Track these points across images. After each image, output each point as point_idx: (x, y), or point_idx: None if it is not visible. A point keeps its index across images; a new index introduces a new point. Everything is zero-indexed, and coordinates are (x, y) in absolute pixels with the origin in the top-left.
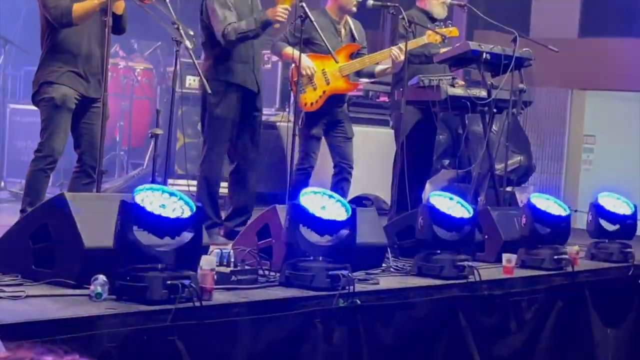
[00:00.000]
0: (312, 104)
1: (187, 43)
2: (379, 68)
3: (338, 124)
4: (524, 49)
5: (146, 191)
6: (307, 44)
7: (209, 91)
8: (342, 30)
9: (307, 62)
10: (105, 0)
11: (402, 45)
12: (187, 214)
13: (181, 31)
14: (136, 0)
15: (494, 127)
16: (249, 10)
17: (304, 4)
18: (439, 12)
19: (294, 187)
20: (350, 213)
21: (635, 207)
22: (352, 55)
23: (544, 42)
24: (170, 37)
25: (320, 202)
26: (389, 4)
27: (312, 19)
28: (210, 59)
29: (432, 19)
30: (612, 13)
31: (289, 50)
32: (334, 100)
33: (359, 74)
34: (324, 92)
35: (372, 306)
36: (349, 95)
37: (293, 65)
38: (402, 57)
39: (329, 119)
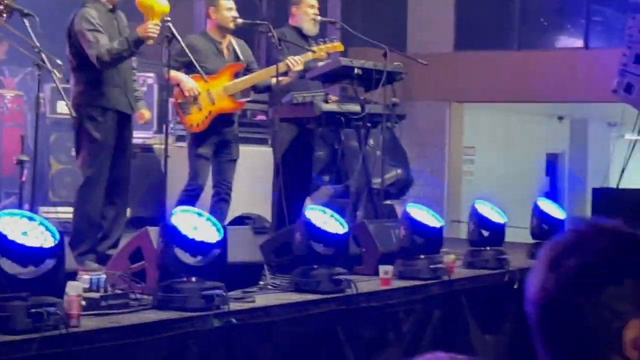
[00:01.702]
0: (197, 124)
1: (55, 72)
2: (275, 80)
3: (227, 145)
4: (396, 64)
5: (5, 217)
6: (191, 66)
7: (74, 114)
8: (225, 51)
9: (191, 83)
10: None
11: (299, 57)
12: (49, 241)
13: (43, 55)
14: None
15: (370, 141)
16: (116, 31)
17: (170, 25)
18: (310, 28)
19: None
20: (222, 233)
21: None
22: (237, 75)
23: (418, 57)
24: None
25: (192, 221)
26: (258, 22)
27: (191, 40)
28: (82, 85)
29: (304, 36)
30: (485, 27)
31: (172, 73)
32: (222, 121)
33: (256, 89)
34: (209, 112)
35: (249, 324)
36: None
37: (176, 87)
38: (301, 67)
39: (218, 140)
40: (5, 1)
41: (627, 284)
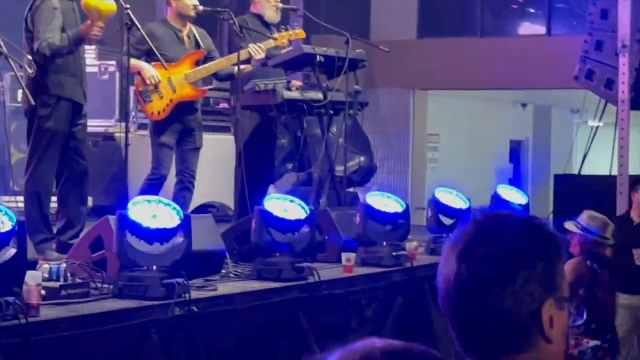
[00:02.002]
0: (159, 112)
1: (27, 68)
2: (237, 68)
3: (190, 133)
4: (358, 51)
5: None
6: (151, 54)
7: (32, 102)
8: (186, 39)
9: (151, 71)
10: None
11: (260, 44)
12: (7, 227)
13: (1, 44)
14: None
15: (332, 128)
16: (73, 21)
17: (129, 12)
18: (272, 16)
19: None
20: (182, 219)
21: (469, 200)
22: (198, 62)
23: (381, 44)
24: None
25: (151, 210)
26: (219, 9)
27: (151, 28)
28: (38, 72)
29: (266, 24)
30: (448, 13)
31: (133, 61)
32: (184, 108)
33: (218, 77)
34: (170, 100)
35: (210, 312)
36: None
37: (137, 75)
38: (262, 54)
39: (180, 128)
40: None
41: (539, 267)
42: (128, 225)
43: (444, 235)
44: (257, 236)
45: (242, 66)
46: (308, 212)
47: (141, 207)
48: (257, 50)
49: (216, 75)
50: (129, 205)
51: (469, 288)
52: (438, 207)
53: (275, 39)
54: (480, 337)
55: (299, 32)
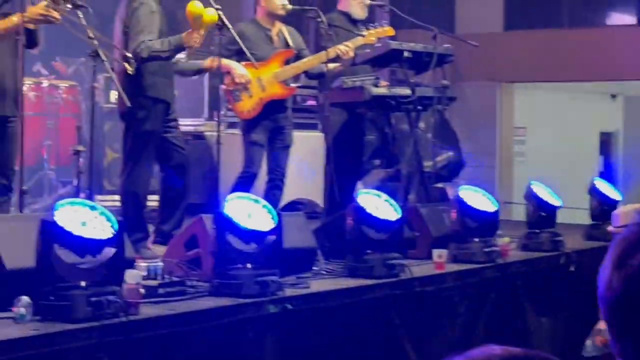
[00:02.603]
0: (248, 111)
1: (127, 66)
2: (329, 67)
3: (280, 131)
4: (445, 46)
5: (66, 206)
6: (241, 54)
7: (128, 104)
8: (275, 38)
9: (241, 70)
10: (30, 19)
11: (349, 42)
12: (108, 229)
13: (96, 43)
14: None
15: (420, 124)
16: (162, 26)
17: (220, 13)
18: (359, 13)
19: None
20: (276, 219)
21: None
22: (288, 61)
23: (467, 38)
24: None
25: (246, 208)
26: (307, 7)
27: (241, 28)
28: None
29: (353, 21)
30: (535, 5)
31: (223, 61)
32: (274, 107)
33: (309, 75)
34: (260, 99)
35: (304, 310)
36: None
37: (227, 74)
38: (352, 53)
39: (271, 126)
40: None
41: None
42: (226, 225)
43: (538, 230)
44: (352, 234)
45: (331, 65)
46: (398, 209)
47: (237, 206)
48: (345, 50)
49: (307, 73)
50: (226, 202)
51: (619, 297)
52: (536, 200)
53: (363, 37)
54: (633, 345)
55: (387, 30)
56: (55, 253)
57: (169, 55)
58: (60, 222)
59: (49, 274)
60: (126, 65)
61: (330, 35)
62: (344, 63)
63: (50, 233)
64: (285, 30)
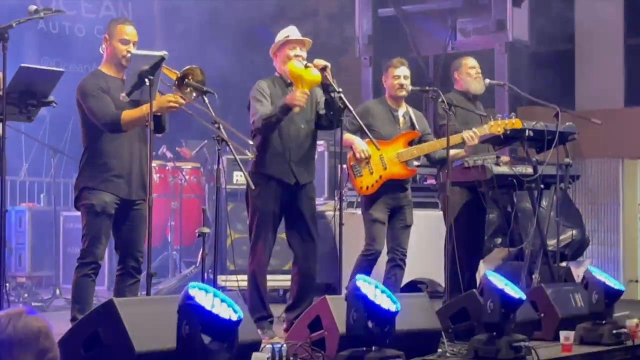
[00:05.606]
0: (367, 187)
1: (248, 153)
2: (452, 152)
3: (400, 210)
4: (568, 123)
5: (195, 289)
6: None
7: (252, 187)
8: (401, 118)
9: (362, 145)
10: (159, 108)
11: (476, 129)
12: (233, 314)
13: (221, 127)
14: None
15: (543, 202)
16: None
17: (341, 95)
18: (476, 87)
19: (358, 273)
20: (398, 306)
21: None
22: (412, 143)
23: (588, 114)
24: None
25: (371, 291)
26: (427, 88)
27: (369, 106)
28: (256, 152)
29: (471, 98)
30: None
31: (347, 136)
32: (393, 186)
33: (430, 160)
34: (380, 176)
35: None
36: None
37: (350, 149)
38: (477, 141)
39: (391, 205)
40: (194, 83)
41: None
42: (362, 306)
43: None
44: (490, 315)
45: (455, 151)
46: (523, 295)
47: (366, 288)
48: (471, 137)
49: (428, 157)
50: (356, 284)
51: None
52: None
53: (484, 116)
54: None
55: (515, 122)
56: (200, 337)
57: (278, 118)
58: (200, 303)
59: (190, 357)
60: (247, 152)
61: (450, 116)
62: (468, 150)
63: (196, 316)
64: (412, 112)
